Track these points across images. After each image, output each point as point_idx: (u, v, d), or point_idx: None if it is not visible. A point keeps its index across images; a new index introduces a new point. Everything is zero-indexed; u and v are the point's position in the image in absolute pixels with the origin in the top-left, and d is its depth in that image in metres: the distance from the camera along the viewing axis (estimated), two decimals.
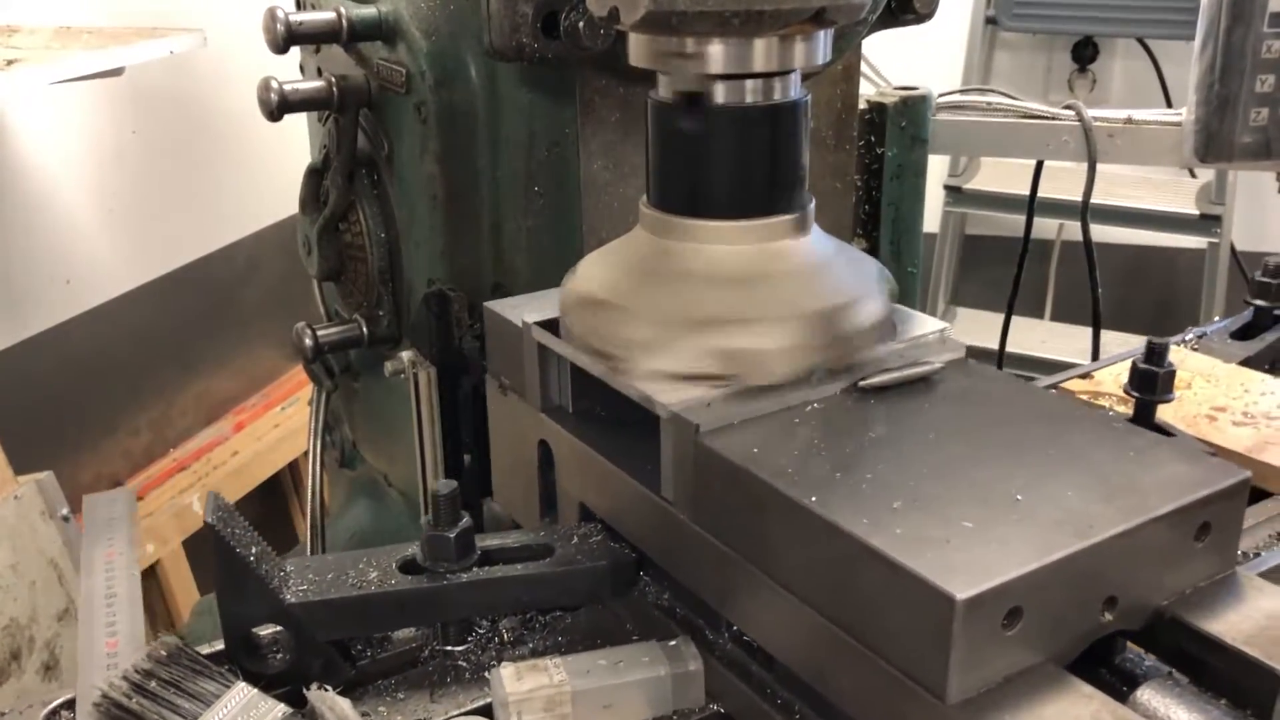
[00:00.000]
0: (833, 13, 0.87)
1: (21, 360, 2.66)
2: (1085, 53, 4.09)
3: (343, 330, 1.53)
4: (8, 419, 2.48)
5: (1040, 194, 2.18)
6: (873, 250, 1.67)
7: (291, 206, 1.59)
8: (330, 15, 1.39)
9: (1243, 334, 1.54)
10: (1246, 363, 1.44)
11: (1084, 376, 1.40)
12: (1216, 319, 1.60)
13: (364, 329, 1.51)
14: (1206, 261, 3.71)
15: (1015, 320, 2.33)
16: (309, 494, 1.76)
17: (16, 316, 2.66)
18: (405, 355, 1.38)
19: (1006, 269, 2.33)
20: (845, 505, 0.81)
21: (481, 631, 1.06)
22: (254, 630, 0.93)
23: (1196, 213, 3.66)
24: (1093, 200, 2.02)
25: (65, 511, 2.38)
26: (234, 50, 2.71)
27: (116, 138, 2.92)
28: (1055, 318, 4.17)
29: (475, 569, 1.00)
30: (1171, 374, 1.15)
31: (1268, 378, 1.38)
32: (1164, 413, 1.23)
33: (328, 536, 1.79)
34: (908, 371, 0.99)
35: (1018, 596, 0.73)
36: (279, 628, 0.93)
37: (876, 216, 1.67)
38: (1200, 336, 1.54)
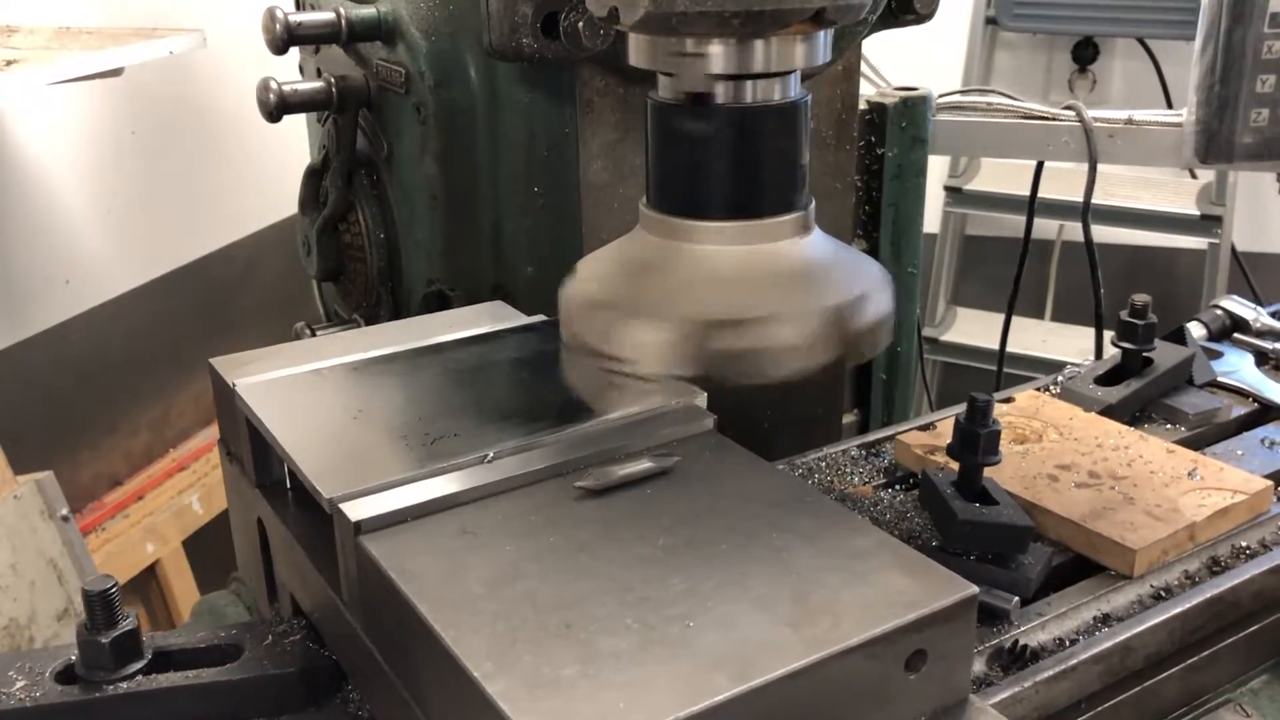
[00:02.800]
0: (833, 13, 0.86)
1: (21, 360, 2.66)
2: (1085, 53, 4.09)
3: (345, 329, 1.53)
4: (8, 419, 2.48)
5: (1040, 194, 2.18)
6: (873, 250, 1.67)
7: (291, 206, 1.59)
8: (330, 16, 1.38)
9: (1110, 378, 1.41)
10: (1109, 411, 1.35)
11: (924, 428, 1.30)
12: (1089, 360, 1.50)
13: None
14: (1207, 262, 3.70)
15: (1015, 320, 2.33)
16: None
17: (16, 316, 2.66)
18: None
19: (1006, 269, 2.33)
20: (482, 633, 0.73)
21: None
22: None
23: (1197, 213, 3.65)
24: (1093, 201, 2.02)
25: (65, 511, 2.38)
26: (233, 50, 2.71)
27: (116, 138, 2.92)
28: (1055, 318, 4.17)
29: (140, 676, 0.89)
30: (996, 434, 1.08)
31: (1126, 430, 1.29)
32: (1006, 468, 1.15)
33: None
34: (628, 470, 0.92)
35: None
36: None
37: (876, 217, 1.67)
38: (1070, 379, 1.43)
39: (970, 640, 0.80)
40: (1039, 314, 4.16)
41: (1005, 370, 2.40)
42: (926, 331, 3.88)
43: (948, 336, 4.03)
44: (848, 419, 1.75)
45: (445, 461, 0.93)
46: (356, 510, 0.86)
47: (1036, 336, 3.88)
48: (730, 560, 0.80)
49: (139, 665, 0.90)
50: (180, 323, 3.15)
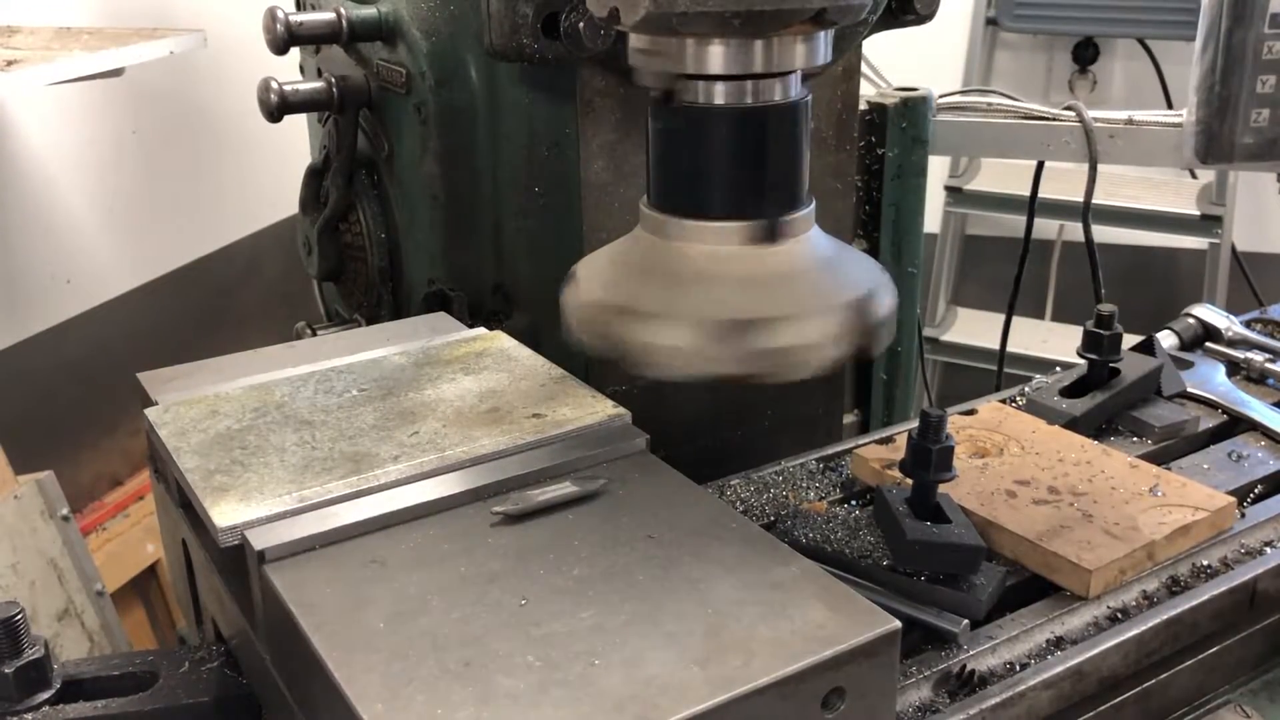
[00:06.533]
0: (833, 13, 0.86)
1: (21, 360, 2.66)
2: (1086, 53, 4.09)
3: (343, 330, 1.53)
4: (8, 419, 2.48)
5: (1041, 194, 2.18)
6: (873, 250, 1.67)
7: (291, 206, 1.59)
8: (330, 16, 1.38)
9: (1076, 389, 1.38)
10: (1073, 424, 1.31)
11: (883, 441, 1.27)
12: (1057, 371, 1.47)
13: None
14: (1207, 262, 3.70)
15: (1016, 320, 2.33)
16: None
17: (16, 316, 2.66)
18: None
19: (1007, 269, 2.33)
20: (375, 672, 0.71)
21: None
22: None
23: (1197, 213, 3.65)
24: (1093, 201, 2.02)
25: (65, 511, 2.38)
26: (234, 50, 2.71)
27: (116, 138, 2.92)
28: (1056, 318, 4.17)
29: (47, 708, 0.86)
30: (949, 450, 1.04)
31: (1088, 443, 1.26)
32: (964, 483, 1.13)
33: None
34: (549, 495, 0.89)
35: None
36: None
37: (877, 217, 1.67)
38: (1036, 390, 1.41)
39: (893, 677, 0.77)
40: (1039, 314, 4.16)
41: (1005, 370, 2.40)
42: (927, 331, 3.88)
43: (948, 336, 4.03)
44: (848, 419, 1.75)
45: (357, 486, 0.90)
46: (262, 538, 0.83)
47: (1037, 336, 3.87)
48: (645, 592, 0.78)
49: (46, 695, 0.87)
50: (181, 323, 3.15)
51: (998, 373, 2.41)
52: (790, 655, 0.71)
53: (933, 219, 3.96)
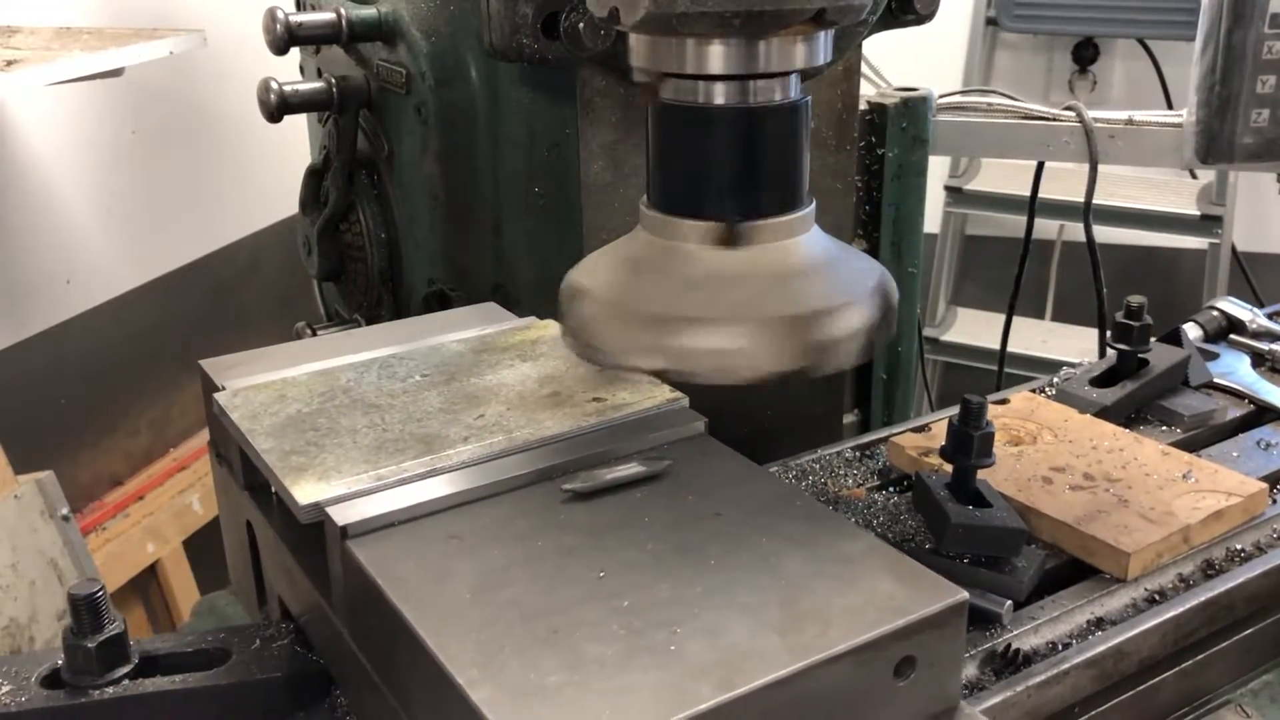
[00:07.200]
0: (833, 13, 0.86)
1: (21, 360, 2.66)
2: (1086, 54, 4.09)
3: (343, 330, 1.53)
4: (8, 419, 2.48)
5: (1041, 195, 2.18)
6: (873, 251, 1.67)
7: (291, 206, 1.59)
8: (330, 16, 1.38)
9: (1106, 379, 1.40)
10: (1104, 413, 1.34)
11: (918, 430, 1.30)
12: (1090, 360, 1.49)
13: None
14: (1207, 262, 3.70)
15: (1016, 321, 2.33)
16: None
17: (16, 316, 2.66)
18: None
19: (1007, 269, 2.33)
20: (468, 639, 0.73)
21: None
22: None
23: (1197, 213, 3.65)
24: (1094, 201, 2.02)
25: (65, 511, 2.38)
26: (234, 50, 2.71)
27: (116, 138, 2.92)
28: (1056, 318, 4.17)
29: (126, 681, 0.89)
30: (989, 436, 1.07)
31: (1121, 432, 1.28)
32: (1000, 470, 1.15)
33: None
34: (617, 474, 0.91)
35: None
36: None
37: (877, 217, 1.67)
38: (1065, 380, 1.43)
39: (960, 647, 0.79)
40: (1039, 314, 4.17)
41: (1005, 370, 2.40)
42: (927, 331, 3.88)
43: (948, 336, 4.03)
44: (848, 419, 1.75)
45: (431, 465, 0.92)
46: (343, 514, 0.85)
47: (1037, 336, 3.88)
48: (718, 566, 0.80)
49: (125, 670, 0.89)
50: (181, 322, 3.15)
51: (998, 373, 2.41)
52: (865, 624, 0.73)
53: (933, 219, 3.96)
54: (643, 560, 0.81)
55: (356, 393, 1.07)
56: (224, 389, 1.06)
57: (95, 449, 2.92)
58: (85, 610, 0.88)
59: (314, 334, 1.52)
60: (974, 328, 4.02)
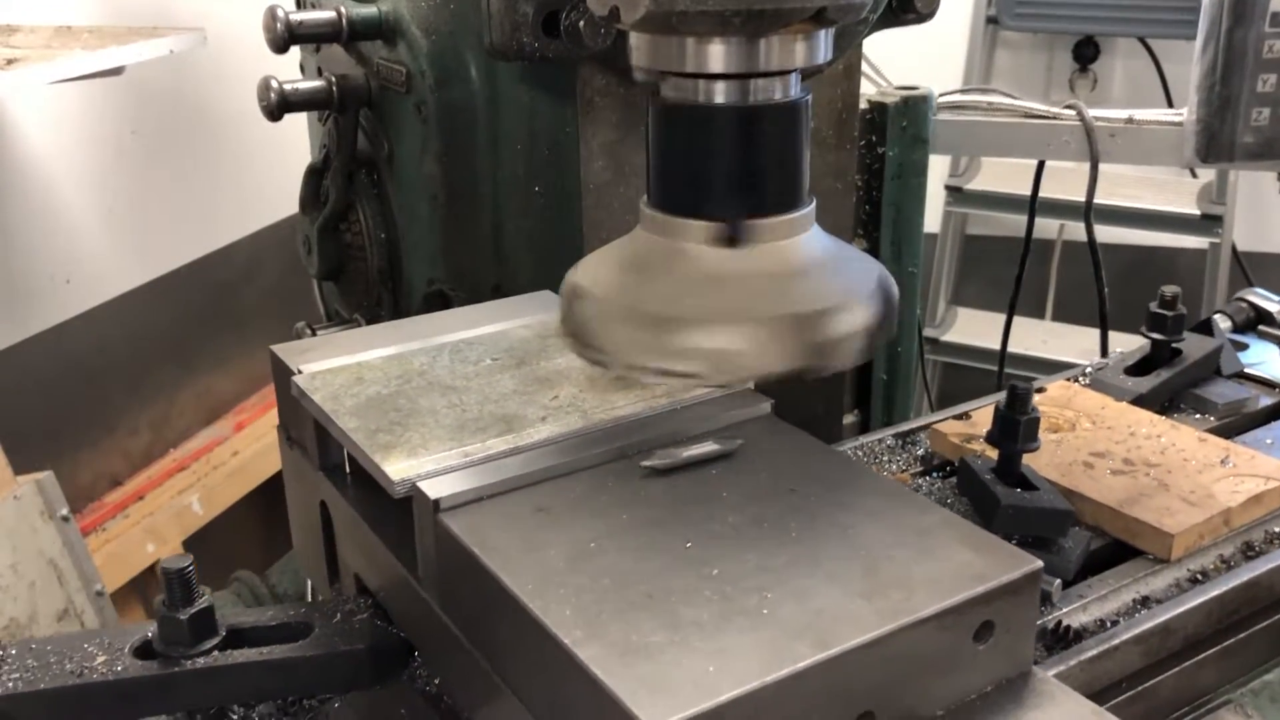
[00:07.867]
0: (834, 12, 0.86)
1: (21, 360, 2.65)
2: (1086, 52, 4.09)
3: (343, 330, 1.52)
4: (8, 419, 2.47)
5: (1041, 194, 2.18)
6: (873, 250, 1.67)
7: (291, 206, 1.59)
8: (330, 15, 1.38)
9: (1140, 368, 1.44)
10: (1139, 401, 1.37)
11: (959, 417, 1.34)
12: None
13: None
14: (1208, 261, 3.70)
15: (1016, 320, 2.33)
16: None
17: (16, 316, 2.65)
18: None
19: (1007, 269, 2.33)
20: (568, 603, 0.75)
21: (235, 718, 1.00)
22: None
23: (1198, 213, 3.65)
24: (1094, 200, 2.02)
25: (65, 511, 2.38)
26: (234, 50, 2.71)
27: (116, 137, 2.92)
28: (1056, 318, 4.17)
29: (216, 652, 0.92)
30: (1035, 421, 1.11)
31: (1157, 419, 1.31)
32: (1042, 456, 1.19)
33: None
34: (693, 452, 0.94)
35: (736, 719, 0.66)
36: None
37: (877, 216, 1.67)
38: (1099, 369, 1.46)
39: (1034, 613, 0.82)
40: (1039, 314, 4.16)
41: (1006, 370, 2.40)
42: (927, 331, 3.88)
43: (948, 336, 4.03)
44: (848, 419, 1.75)
45: (514, 444, 0.96)
46: (435, 489, 0.88)
47: (1037, 336, 3.87)
48: (799, 537, 0.83)
49: (214, 641, 0.93)
50: (180, 322, 3.15)
51: (998, 373, 2.41)
52: (947, 590, 0.76)
53: (933, 219, 3.95)
54: (725, 532, 0.84)
55: (431, 375, 1.09)
56: (300, 372, 1.08)
57: (95, 449, 2.92)
58: (178, 583, 0.91)
59: (314, 334, 1.52)
60: (974, 328, 4.02)
